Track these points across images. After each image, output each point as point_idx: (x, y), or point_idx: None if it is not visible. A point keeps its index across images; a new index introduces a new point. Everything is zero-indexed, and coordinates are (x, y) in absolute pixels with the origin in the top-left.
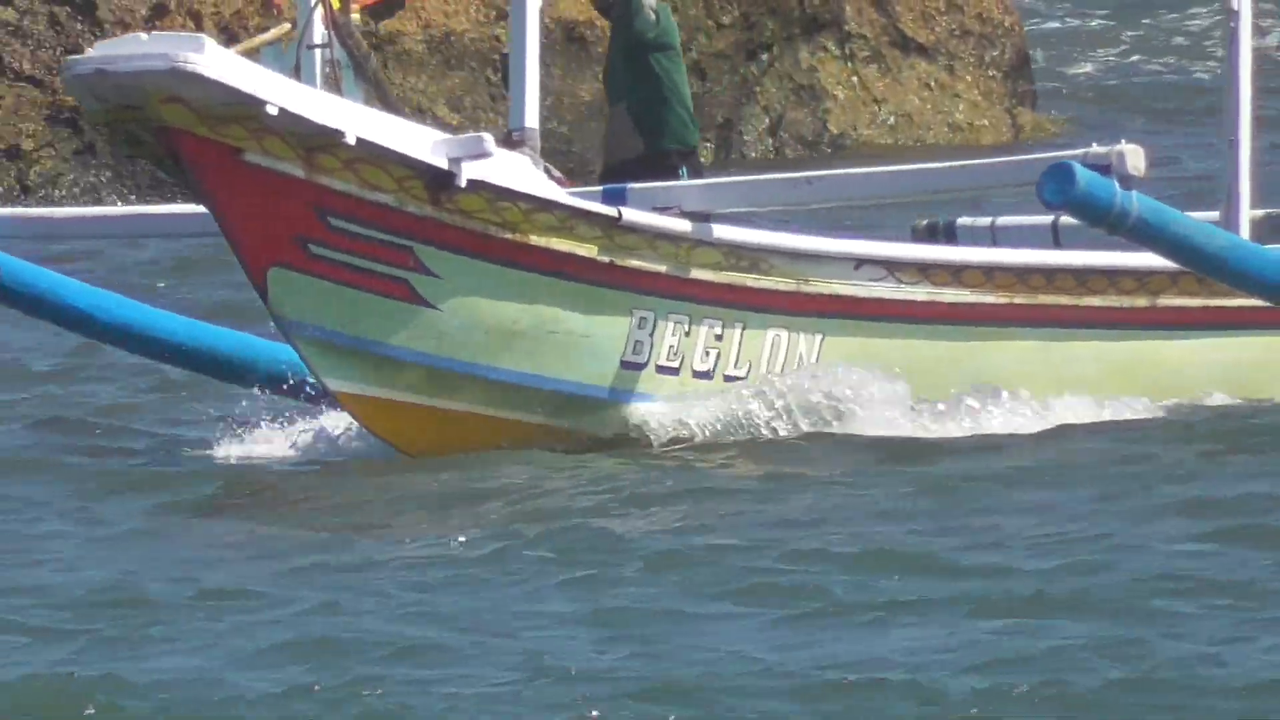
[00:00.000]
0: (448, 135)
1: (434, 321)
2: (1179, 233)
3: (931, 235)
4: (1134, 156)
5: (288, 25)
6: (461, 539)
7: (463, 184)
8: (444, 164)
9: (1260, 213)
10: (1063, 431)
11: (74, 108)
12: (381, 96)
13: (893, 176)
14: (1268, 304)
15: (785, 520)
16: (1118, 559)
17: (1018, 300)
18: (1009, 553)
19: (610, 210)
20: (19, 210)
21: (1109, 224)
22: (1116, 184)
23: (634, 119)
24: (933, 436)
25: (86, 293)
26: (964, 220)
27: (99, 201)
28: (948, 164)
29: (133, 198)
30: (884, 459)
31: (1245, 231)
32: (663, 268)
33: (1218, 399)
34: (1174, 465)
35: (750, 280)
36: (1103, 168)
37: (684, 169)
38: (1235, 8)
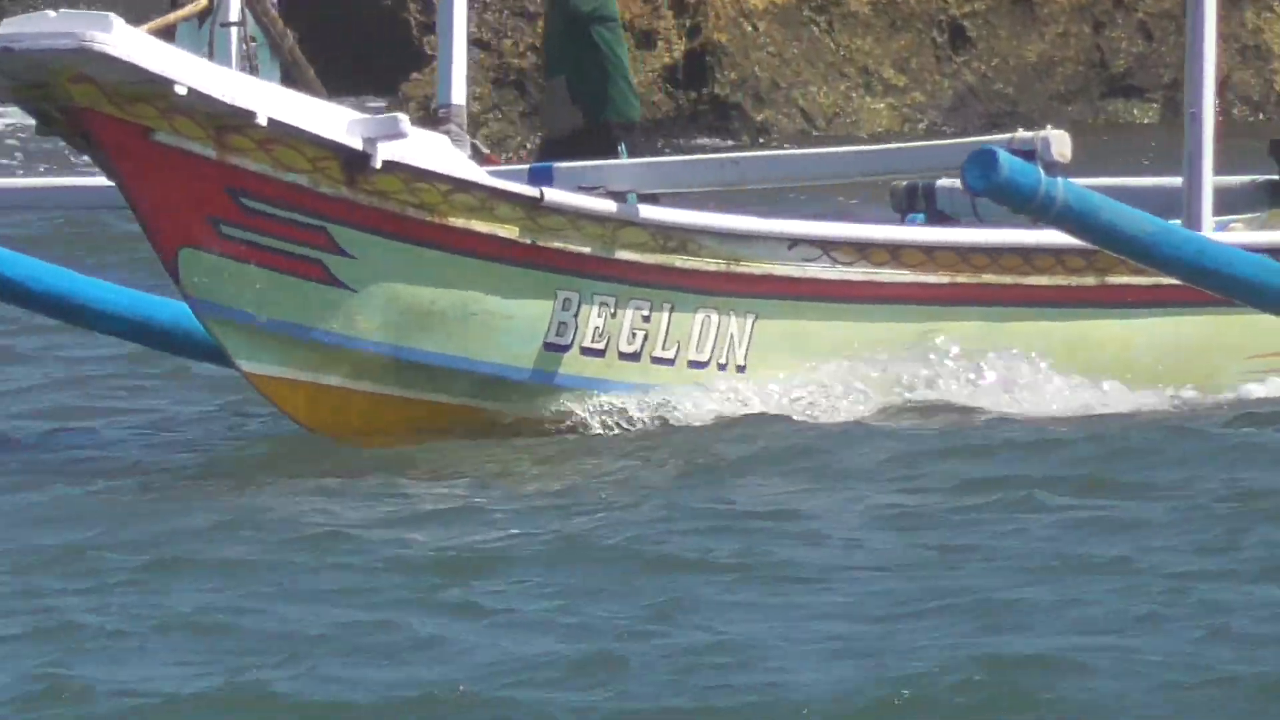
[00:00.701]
0: (363, 115)
1: (349, 303)
2: (1107, 220)
3: (910, 196)
4: (1059, 143)
5: (203, 1)
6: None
7: (378, 165)
8: (359, 144)
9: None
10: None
11: (520, 70)
12: (299, 75)
13: (820, 158)
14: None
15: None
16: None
17: (960, 280)
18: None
19: (533, 191)
20: None
21: (1033, 210)
22: (1041, 170)
23: (572, 92)
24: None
25: (19, 262)
26: (943, 182)
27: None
28: (874, 148)
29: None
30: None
31: (1209, 201)
32: (587, 249)
33: (1167, 377)
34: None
35: (679, 261)
36: (1028, 153)
37: (624, 144)
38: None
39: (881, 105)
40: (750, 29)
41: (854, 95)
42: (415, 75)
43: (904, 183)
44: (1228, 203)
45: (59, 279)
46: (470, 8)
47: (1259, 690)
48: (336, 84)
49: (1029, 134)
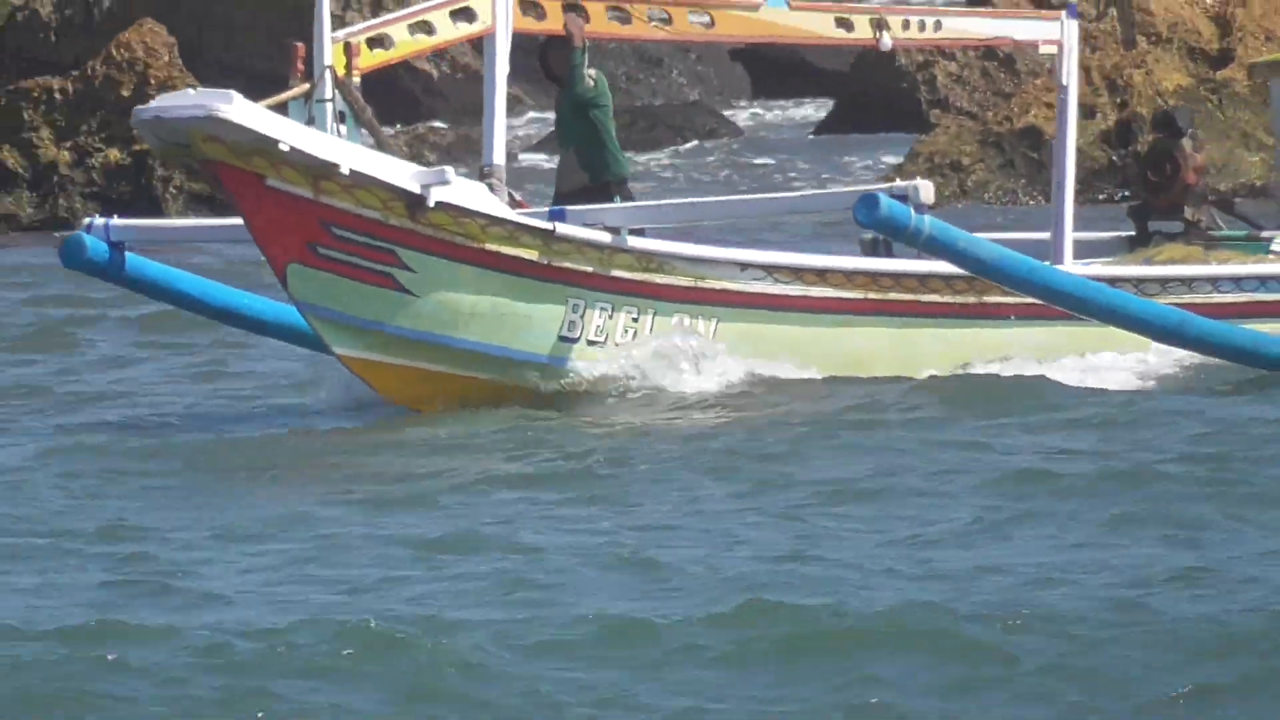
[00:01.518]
0: (421, 167)
1: (412, 305)
2: (962, 247)
3: (874, 246)
4: (925, 190)
5: (306, 85)
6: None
7: (432, 204)
8: (417, 189)
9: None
10: (935, 388)
11: (998, 134)
12: (375, 138)
13: (749, 203)
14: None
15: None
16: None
17: (871, 296)
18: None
19: (547, 225)
20: (141, 220)
21: (906, 238)
22: (912, 210)
23: (580, 160)
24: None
25: (195, 281)
26: None
27: (1016, 202)
28: (784, 195)
29: (1040, 199)
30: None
31: (1070, 247)
32: (589, 268)
33: (1031, 371)
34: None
35: (658, 278)
36: (902, 197)
37: (617, 195)
38: (1065, 83)
39: (1256, 159)
40: (1162, 103)
41: (1236, 151)
42: (925, 137)
43: (869, 235)
44: (1099, 251)
45: (225, 293)
46: (963, 89)
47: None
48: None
49: (903, 182)
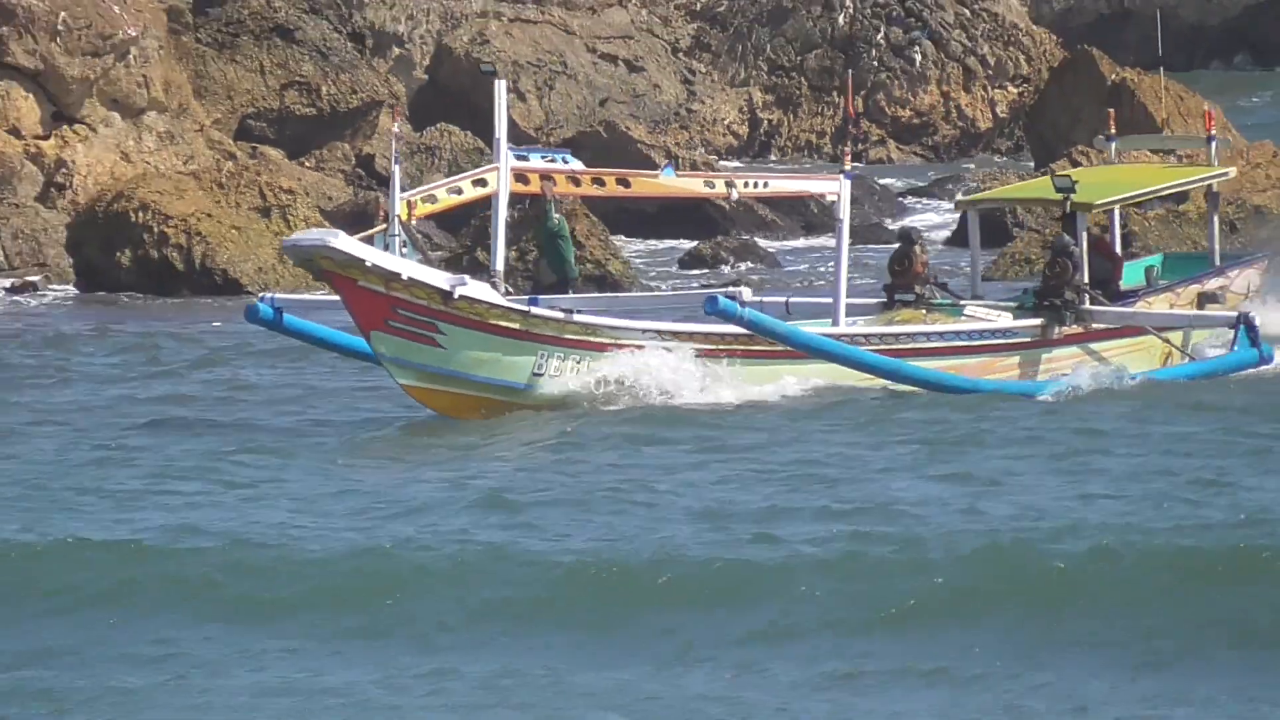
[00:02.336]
0: (450, 274)
1: (445, 354)
2: (766, 325)
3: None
4: (745, 293)
5: (383, 225)
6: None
7: (456, 296)
8: (448, 287)
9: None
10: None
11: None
12: (424, 258)
13: (634, 299)
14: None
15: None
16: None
17: (735, 348)
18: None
19: (526, 307)
20: (291, 295)
21: (736, 322)
22: (738, 305)
23: (550, 267)
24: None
25: (324, 330)
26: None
27: None
28: (661, 294)
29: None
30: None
31: (843, 310)
32: (550, 332)
33: (834, 388)
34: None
35: (591, 338)
36: (733, 296)
37: (569, 290)
38: (840, 217)
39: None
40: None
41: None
42: (1009, 246)
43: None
44: (867, 311)
45: (341, 337)
46: (1028, 214)
47: None
48: None
49: (735, 289)
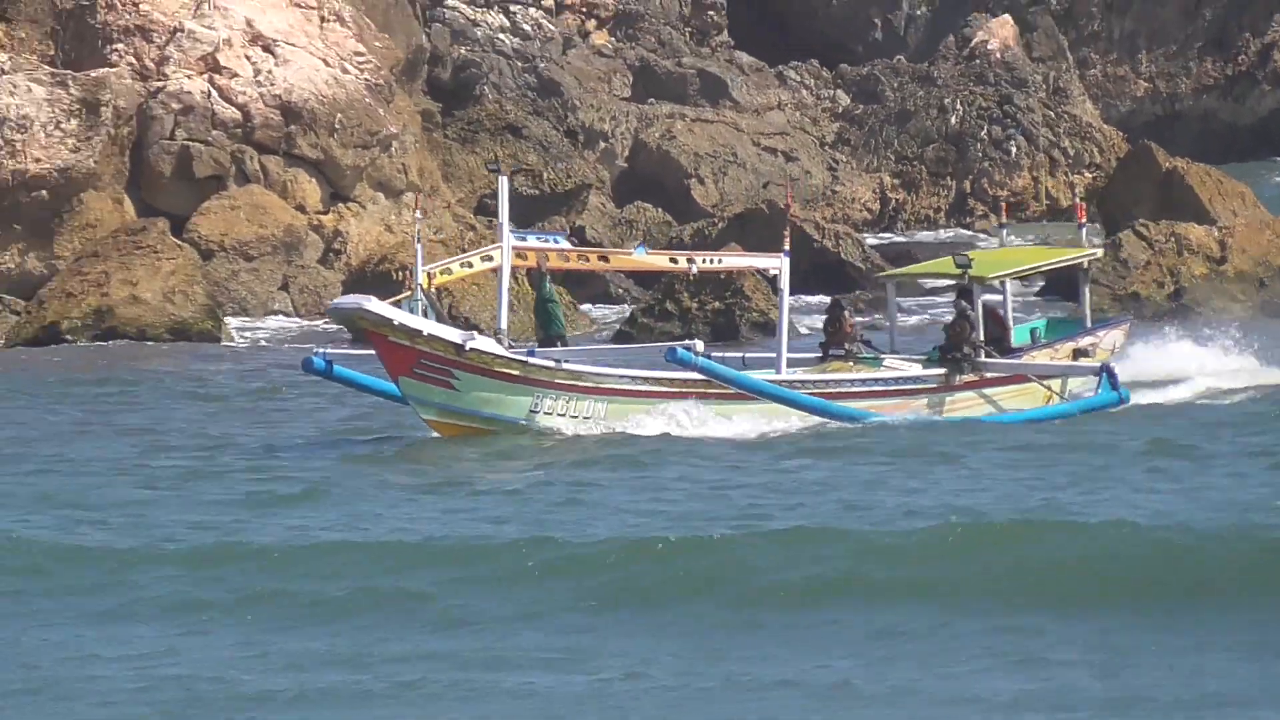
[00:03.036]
0: (462, 330)
1: (458, 395)
2: (717, 370)
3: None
4: (698, 345)
5: (408, 293)
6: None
7: (467, 348)
8: (460, 341)
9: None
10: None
11: (1121, 295)
12: (440, 319)
13: (608, 350)
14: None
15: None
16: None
17: (687, 390)
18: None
19: (525, 356)
20: (339, 350)
21: (691, 368)
22: (693, 354)
23: (544, 326)
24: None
25: (367, 378)
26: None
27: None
28: (631, 345)
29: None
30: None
31: (784, 361)
32: (544, 377)
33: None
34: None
35: (578, 382)
36: (689, 348)
37: (559, 343)
38: (782, 286)
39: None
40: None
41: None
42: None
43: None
44: (805, 362)
45: (381, 384)
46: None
47: None
48: None
49: (690, 341)
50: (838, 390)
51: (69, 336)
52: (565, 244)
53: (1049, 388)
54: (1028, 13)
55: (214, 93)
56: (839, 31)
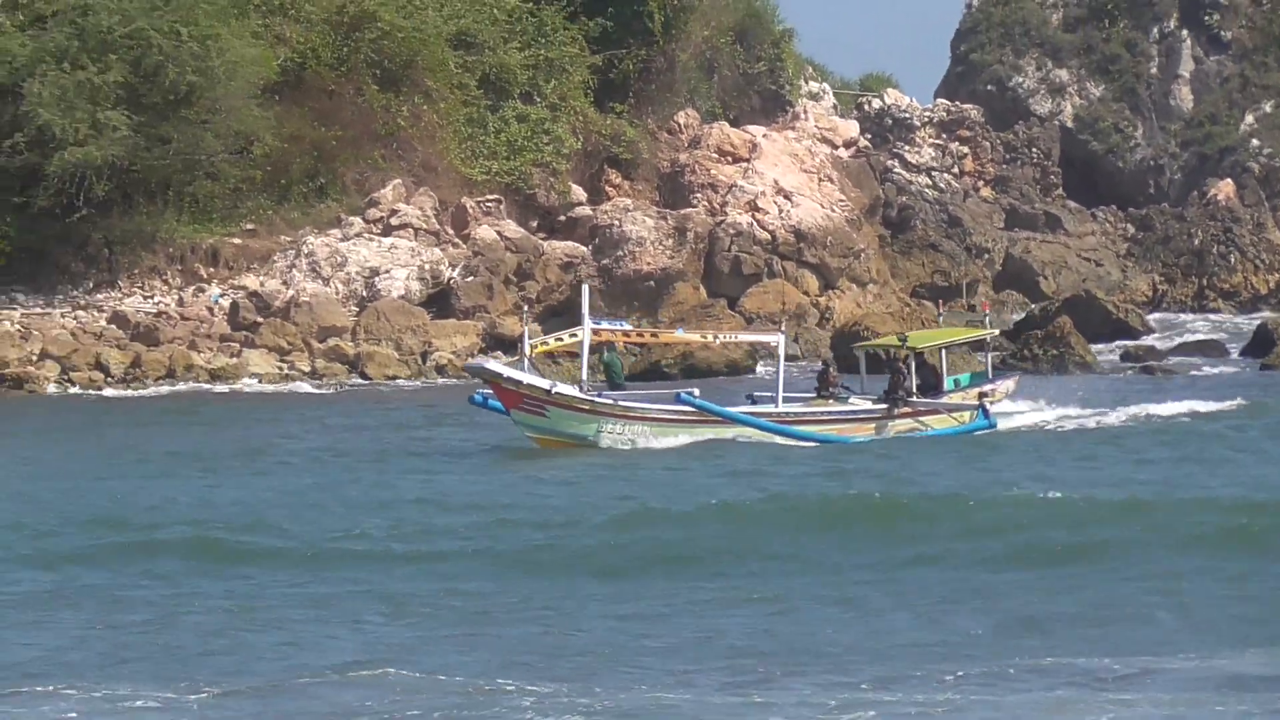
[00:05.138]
0: (551, 380)
1: (550, 422)
2: (709, 409)
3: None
4: (696, 392)
5: (518, 358)
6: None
7: (553, 393)
8: (549, 387)
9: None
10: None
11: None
12: (536, 374)
13: (650, 393)
14: (747, 425)
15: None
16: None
17: (679, 419)
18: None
19: (594, 395)
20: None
21: (691, 406)
22: (692, 396)
23: (610, 379)
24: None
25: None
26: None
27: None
28: (660, 389)
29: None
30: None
31: (781, 396)
32: (605, 410)
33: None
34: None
35: (632, 411)
36: (691, 392)
37: (620, 390)
38: (780, 353)
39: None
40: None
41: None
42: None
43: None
44: (801, 398)
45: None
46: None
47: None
48: None
49: (692, 388)
50: (814, 418)
51: (665, 370)
52: (628, 326)
53: (953, 416)
54: (1241, 177)
55: (755, 223)
56: (1129, 187)
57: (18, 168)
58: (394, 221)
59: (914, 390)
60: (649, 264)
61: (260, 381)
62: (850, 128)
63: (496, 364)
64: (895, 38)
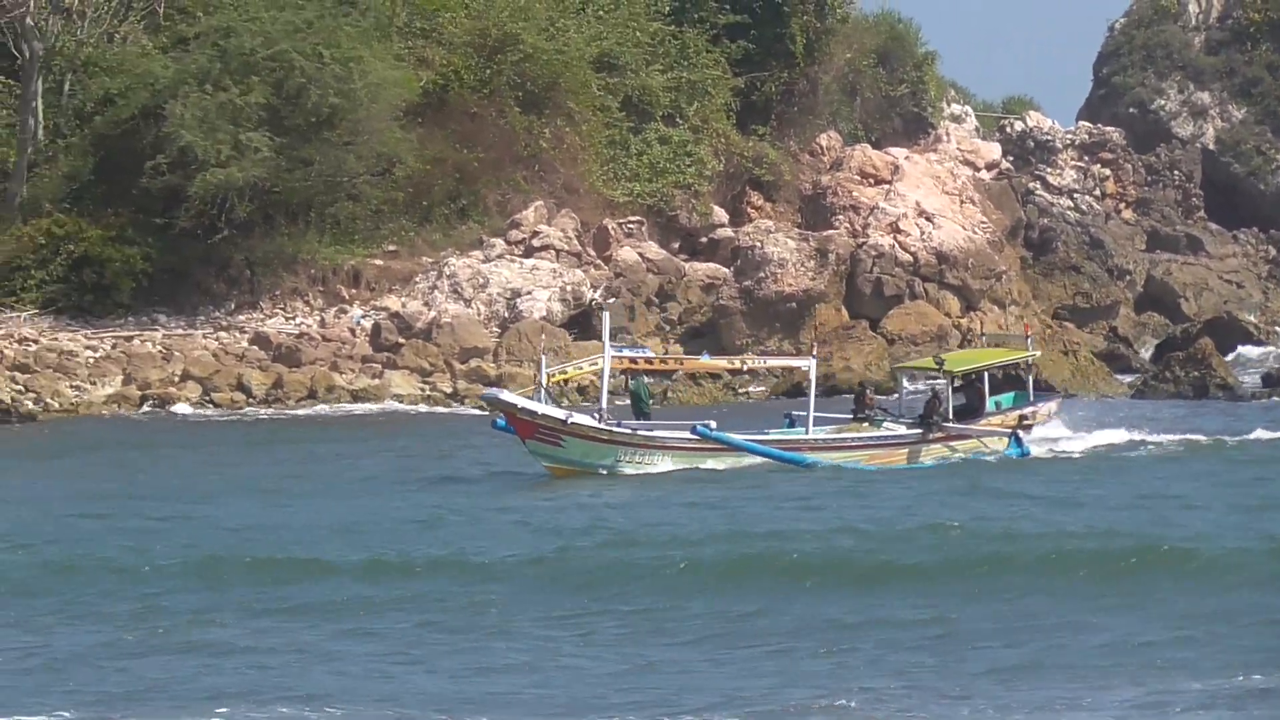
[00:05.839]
0: (567, 410)
1: (565, 451)
2: (721, 436)
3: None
4: (711, 424)
5: (533, 388)
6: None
7: (568, 423)
8: (565, 417)
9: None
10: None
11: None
12: (554, 404)
13: (669, 424)
14: (753, 455)
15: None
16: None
17: (704, 448)
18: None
19: (613, 425)
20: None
21: (705, 438)
22: (708, 430)
23: (636, 409)
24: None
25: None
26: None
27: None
28: (669, 421)
29: None
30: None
31: (811, 421)
32: (623, 439)
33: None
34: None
35: (650, 441)
36: (706, 425)
37: (644, 419)
38: (810, 380)
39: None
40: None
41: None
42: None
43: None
44: (836, 421)
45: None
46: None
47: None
48: None
49: (709, 421)
50: (846, 444)
51: (804, 388)
52: (650, 352)
53: (982, 442)
54: None
55: (896, 245)
56: (1270, 210)
57: (160, 189)
58: (536, 243)
59: (949, 415)
60: (790, 285)
61: (402, 402)
62: (992, 150)
63: (511, 394)
64: (1038, 61)
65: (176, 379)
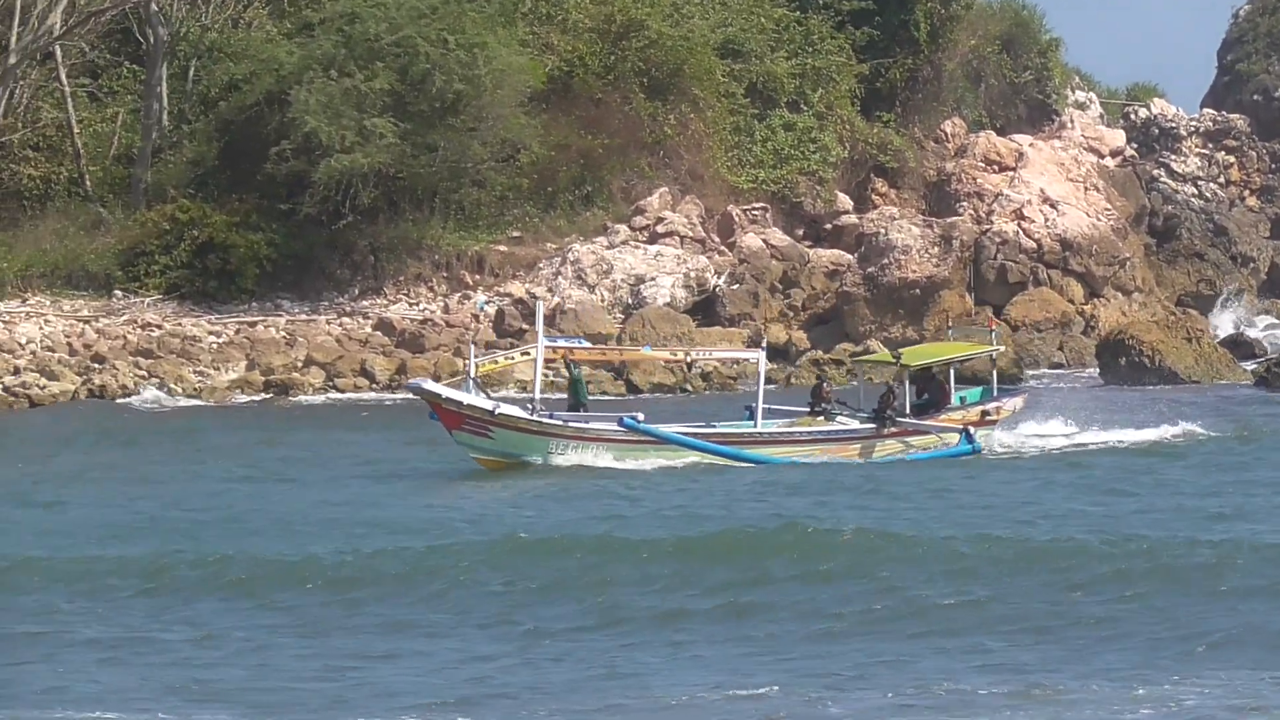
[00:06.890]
0: (496, 401)
1: (494, 442)
2: (655, 433)
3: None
4: (640, 417)
5: (460, 377)
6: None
7: (497, 413)
8: (492, 408)
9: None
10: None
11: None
12: (483, 395)
13: (604, 414)
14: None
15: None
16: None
17: (620, 439)
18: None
19: (545, 416)
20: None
21: (635, 431)
22: (635, 421)
23: (572, 398)
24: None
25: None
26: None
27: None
28: (615, 414)
29: None
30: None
31: (760, 415)
32: (557, 430)
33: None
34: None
35: (584, 433)
36: (634, 418)
37: (582, 409)
38: (760, 371)
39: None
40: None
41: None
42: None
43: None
44: (789, 414)
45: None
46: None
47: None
48: None
49: (636, 413)
50: (794, 438)
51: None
52: (586, 343)
53: (940, 437)
54: None
55: (1020, 232)
56: None
57: (284, 175)
58: (660, 229)
59: (906, 409)
60: (914, 272)
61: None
62: (1116, 137)
63: (434, 384)
64: (1162, 48)
65: (300, 365)
